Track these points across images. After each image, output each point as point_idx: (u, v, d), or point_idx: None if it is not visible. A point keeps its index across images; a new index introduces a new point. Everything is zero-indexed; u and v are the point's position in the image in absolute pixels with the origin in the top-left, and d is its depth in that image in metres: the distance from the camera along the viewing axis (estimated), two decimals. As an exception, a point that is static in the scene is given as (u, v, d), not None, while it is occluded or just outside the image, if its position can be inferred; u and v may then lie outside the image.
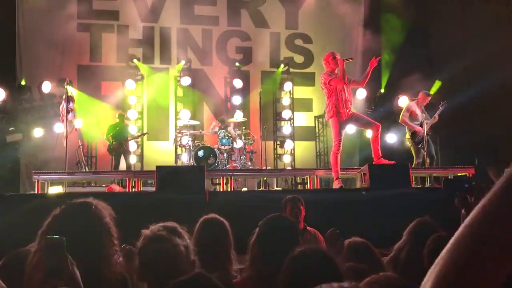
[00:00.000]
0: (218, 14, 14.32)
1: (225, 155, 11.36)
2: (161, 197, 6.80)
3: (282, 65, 14.18)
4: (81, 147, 12.27)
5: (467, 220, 0.93)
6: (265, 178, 11.49)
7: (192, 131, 12.00)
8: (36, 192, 8.87)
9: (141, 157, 13.14)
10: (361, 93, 13.35)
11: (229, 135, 11.54)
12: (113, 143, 11.51)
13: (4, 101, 11.72)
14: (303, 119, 14.47)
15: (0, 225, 6.00)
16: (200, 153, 11.04)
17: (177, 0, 14.03)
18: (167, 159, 12.82)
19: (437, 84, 12.59)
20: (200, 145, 11.40)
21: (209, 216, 3.44)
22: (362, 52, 13.53)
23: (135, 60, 13.43)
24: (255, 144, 11.89)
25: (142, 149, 13.21)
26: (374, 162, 8.07)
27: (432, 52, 13.29)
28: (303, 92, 14.44)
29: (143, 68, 13.62)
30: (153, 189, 8.49)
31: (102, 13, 13.61)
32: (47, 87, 12.24)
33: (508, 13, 11.72)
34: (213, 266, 2.99)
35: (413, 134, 10.15)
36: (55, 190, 9.37)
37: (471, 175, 9.11)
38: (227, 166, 11.20)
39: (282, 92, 14.19)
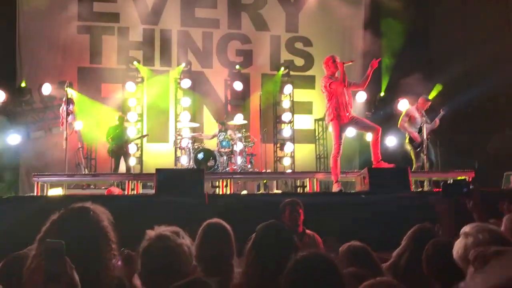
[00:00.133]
0: (219, 17, 14.33)
1: (225, 157, 11.35)
2: (160, 200, 6.79)
3: (282, 68, 14.19)
4: (81, 149, 12.27)
5: None
6: (265, 181, 11.48)
7: (192, 134, 12.00)
8: (35, 194, 8.86)
9: (140, 159, 13.13)
10: (361, 96, 13.36)
11: (229, 137, 11.53)
12: (113, 145, 11.51)
13: (4, 103, 11.73)
14: (303, 122, 14.47)
15: (-1, 227, 6.00)
16: (200, 155, 11.03)
17: (177, 2, 14.05)
18: (167, 162, 12.81)
19: (437, 88, 12.60)
20: (200, 147, 11.39)
21: (213, 220, 3.43)
22: (362, 55, 13.53)
23: (135, 62, 13.43)
24: (255, 147, 11.88)
25: (141, 151, 13.20)
26: (373, 166, 8.07)
27: (432, 55, 13.30)
28: (303, 95, 14.44)
29: (143, 70, 13.62)
30: (153, 191, 8.50)
31: (103, 15, 13.63)
32: (47, 89, 12.25)
33: (507, 16, 11.73)
34: (214, 270, 2.99)
35: (411, 139, 10.23)
36: (54, 192, 9.36)
37: (471, 179, 9.11)
38: (227, 169, 11.19)
39: (282, 95, 14.19)
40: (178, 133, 12.52)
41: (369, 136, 10.03)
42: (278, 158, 13.74)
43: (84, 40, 13.52)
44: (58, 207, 2.25)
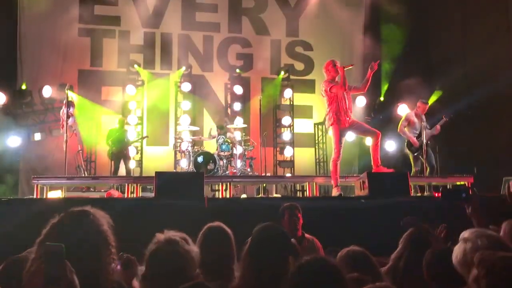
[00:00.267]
0: (219, 21, 14.37)
1: (224, 161, 11.35)
2: (160, 203, 6.79)
3: (282, 72, 14.21)
4: (81, 152, 12.27)
5: None
6: (264, 185, 11.48)
7: (192, 137, 12.01)
8: (35, 196, 8.86)
9: (140, 162, 13.13)
10: (361, 101, 13.38)
11: (229, 141, 11.54)
12: (113, 148, 11.52)
13: (4, 105, 11.73)
14: (303, 126, 14.47)
15: (-1, 229, 5.99)
16: (200, 159, 11.04)
17: (178, 6, 14.08)
18: (166, 165, 12.82)
19: (436, 94, 12.62)
20: (200, 151, 11.39)
21: (214, 224, 3.42)
22: (362, 60, 13.55)
23: (136, 66, 13.46)
24: (254, 150, 11.90)
25: (141, 154, 13.20)
26: (373, 170, 8.07)
27: (432, 60, 13.32)
28: (303, 99, 14.46)
29: (144, 74, 13.64)
30: (152, 195, 8.49)
31: (104, 18, 13.65)
32: (47, 91, 12.27)
33: (507, 22, 11.75)
34: (215, 274, 3.00)
35: (409, 143, 10.28)
36: (54, 194, 9.36)
37: (470, 184, 9.11)
38: (227, 172, 11.20)
39: (282, 99, 14.20)
40: (178, 136, 12.53)
41: (368, 141, 10.05)
42: (277, 162, 13.73)
43: (85, 43, 13.54)
44: (58, 210, 2.25)
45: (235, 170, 11.25)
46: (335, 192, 8.07)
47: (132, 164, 12.37)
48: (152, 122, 13.58)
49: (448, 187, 9.00)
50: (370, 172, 7.90)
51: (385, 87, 14.28)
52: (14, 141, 11.91)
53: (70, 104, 10.46)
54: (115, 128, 11.85)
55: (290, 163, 13.70)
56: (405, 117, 10.40)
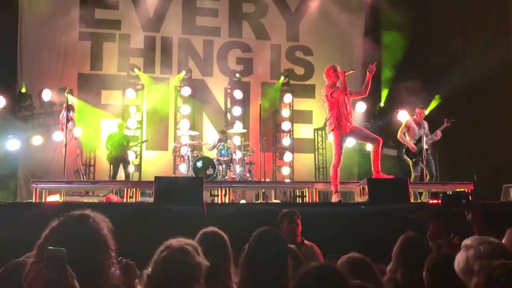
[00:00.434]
0: (220, 25, 14.39)
1: (223, 166, 11.34)
2: (159, 208, 6.77)
3: (282, 77, 14.21)
4: (80, 156, 12.26)
5: None
6: (263, 190, 11.45)
7: (191, 142, 12.00)
8: (34, 200, 8.84)
9: (139, 167, 13.10)
10: (361, 107, 13.38)
11: (228, 146, 11.54)
12: (113, 152, 11.50)
13: (4, 109, 11.72)
14: (303, 131, 14.46)
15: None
16: (199, 164, 11.02)
17: (179, 10, 14.10)
18: (166, 169, 12.80)
19: (436, 100, 12.63)
20: (199, 155, 11.38)
21: (209, 229, 3.42)
22: (363, 65, 13.55)
23: (136, 70, 13.45)
24: (254, 156, 11.88)
25: (140, 159, 13.18)
26: (373, 176, 8.06)
27: (432, 67, 13.33)
28: (303, 104, 14.46)
29: (144, 78, 13.63)
30: (151, 199, 8.48)
31: (104, 22, 13.67)
32: (47, 95, 12.27)
33: (507, 28, 11.77)
34: (213, 278, 2.98)
35: (408, 149, 10.41)
36: (52, 198, 9.33)
37: (469, 191, 9.09)
38: (226, 178, 11.18)
39: (282, 104, 14.19)
40: (177, 141, 12.51)
41: (369, 147, 10.05)
42: (277, 167, 13.71)
43: (85, 46, 13.55)
44: (58, 214, 2.24)
45: (234, 176, 11.23)
46: (335, 198, 8.05)
47: (131, 169, 12.35)
48: (151, 127, 13.56)
49: (447, 193, 8.99)
50: (370, 178, 7.89)
51: (385, 93, 14.29)
52: (13, 144, 11.90)
53: (70, 107, 10.45)
54: (115, 132, 11.84)
55: (290, 169, 13.68)
56: (405, 124, 10.56)
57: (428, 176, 10.09)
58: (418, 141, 10.28)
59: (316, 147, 14.26)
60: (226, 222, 5.65)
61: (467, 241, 2.56)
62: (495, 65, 11.17)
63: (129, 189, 9.28)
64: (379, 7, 14.31)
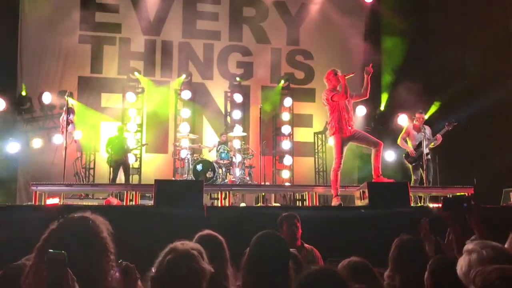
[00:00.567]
0: (220, 29, 14.41)
1: (223, 169, 11.34)
2: (159, 211, 6.75)
3: (282, 81, 14.22)
4: (79, 158, 12.25)
5: None
6: (263, 194, 11.44)
7: (191, 145, 12.00)
8: (33, 203, 8.82)
9: (139, 170, 13.09)
10: (361, 111, 13.38)
11: (228, 149, 11.54)
12: (112, 155, 11.49)
13: (4, 111, 11.72)
14: (303, 134, 14.46)
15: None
16: (199, 167, 11.02)
17: (179, 14, 14.12)
18: (165, 173, 12.80)
19: (435, 105, 12.64)
20: (199, 159, 11.38)
21: (204, 232, 3.43)
22: (363, 69, 13.52)
23: (136, 73, 13.47)
24: (254, 159, 11.88)
25: (140, 162, 13.17)
26: (373, 180, 8.05)
27: (432, 71, 13.33)
28: (303, 108, 14.46)
29: (144, 81, 13.64)
30: (151, 202, 8.46)
31: (105, 25, 13.67)
32: (47, 98, 12.27)
33: (506, 33, 11.78)
34: (213, 283, 2.98)
35: (407, 154, 10.52)
36: (52, 201, 9.32)
37: (469, 195, 9.09)
38: (226, 181, 11.18)
39: (282, 108, 14.19)
40: (177, 144, 12.51)
41: (369, 151, 10.04)
42: (277, 171, 13.70)
43: (85, 49, 13.56)
44: (56, 217, 2.23)
45: (234, 179, 11.23)
46: (335, 202, 8.03)
47: (131, 172, 12.34)
48: (151, 130, 13.56)
49: (448, 197, 8.98)
50: (370, 182, 7.87)
51: (385, 98, 14.29)
52: (13, 147, 11.89)
53: (70, 110, 10.45)
54: (115, 136, 11.83)
55: (290, 173, 13.67)
56: (405, 130, 10.69)
57: (426, 182, 10.15)
58: (418, 146, 10.32)
59: (316, 151, 14.26)
60: (226, 225, 5.65)
61: (469, 246, 2.56)
62: (495, 69, 11.17)
63: (129, 192, 9.28)
64: (379, 11, 14.35)
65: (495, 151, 11.06)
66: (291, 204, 11.55)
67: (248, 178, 11.42)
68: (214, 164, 11.17)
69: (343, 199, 8.50)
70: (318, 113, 13.74)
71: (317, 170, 14.12)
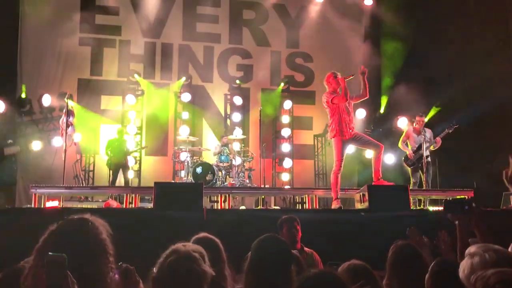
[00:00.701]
0: (220, 32, 14.42)
1: (223, 172, 11.33)
2: (158, 214, 6.74)
3: (282, 83, 14.22)
4: (79, 161, 12.24)
5: None
6: (263, 197, 11.43)
7: (190, 147, 11.99)
8: (33, 205, 8.81)
9: (139, 172, 13.08)
10: (361, 113, 13.38)
11: (228, 152, 11.53)
12: (112, 158, 11.48)
13: (3, 114, 11.71)
14: (303, 137, 14.45)
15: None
16: (198, 169, 11.01)
17: (179, 16, 14.13)
18: (165, 175, 12.78)
19: (435, 109, 12.65)
20: (199, 161, 11.37)
21: (201, 235, 3.43)
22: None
23: (136, 75, 13.45)
24: (253, 162, 11.87)
25: (140, 164, 13.16)
26: (373, 183, 8.04)
27: (432, 74, 13.33)
28: (303, 110, 14.46)
29: (144, 83, 13.64)
30: (151, 205, 8.45)
31: (105, 28, 13.68)
32: (47, 100, 12.26)
33: (506, 36, 11.79)
34: (211, 284, 2.97)
35: (406, 157, 10.60)
36: (52, 204, 9.31)
37: (470, 197, 9.07)
38: (225, 184, 11.16)
39: (282, 110, 14.18)
40: (177, 146, 12.50)
41: (368, 153, 10.05)
42: (276, 174, 13.69)
43: (85, 52, 13.55)
44: (56, 219, 2.22)
45: (233, 182, 11.21)
46: (335, 205, 8.03)
47: (131, 174, 12.34)
48: (151, 132, 13.56)
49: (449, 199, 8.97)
50: (370, 185, 7.87)
51: (385, 100, 14.29)
52: (11, 150, 11.86)
53: (69, 113, 10.44)
54: (114, 138, 11.83)
55: (289, 175, 13.65)
56: (405, 134, 10.76)
57: (425, 185, 10.18)
58: (418, 148, 10.34)
59: (316, 154, 14.25)
60: (225, 228, 5.64)
61: (471, 249, 2.55)
62: (495, 73, 11.17)
63: (128, 195, 9.28)
64: (379, 14, 14.35)
65: (495, 154, 11.05)
66: (291, 207, 11.52)
67: (247, 181, 11.41)
68: (214, 167, 11.16)
69: (343, 202, 8.49)
70: (318, 116, 13.72)
71: (317, 173, 14.11)
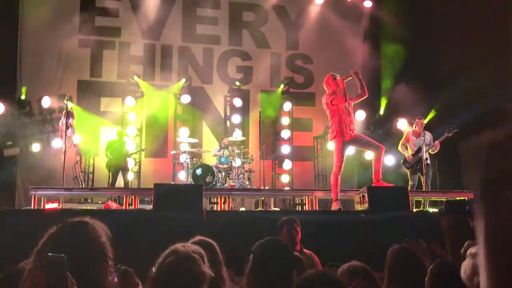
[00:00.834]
0: (220, 34, 14.42)
1: (223, 173, 11.32)
2: (158, 215, 6.74)
3: (282, 85, 14.21)
4: (79, 163, 12.23)
5: None
6: (263, 198, 11.42)
7: (190, 149, 11.98)
8: (32, 207, 8.80)
9: (138, 174, 13.07)
10: (360, 115, 13.38)
11: (228, 153, 11.52)
12: (112, 159, 11.48)
13: (3, 115, 11.70)
14: (303, 139, 14.45)
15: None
16: (198, 171, 10.99)
17: (179, 18, 14.13)
18: (165, 177, 12.77)
19: (433, 112, 12.66)
20: (198, 163, 11.36)
21: (196, 239, 3.42)
22: (362, 73, 13.54)
23: (135, 77, 13.44)
24: (253, 163, 11.86)
25: (139, 166, 13.16)
26: (373, 184, 8.04)
27: (431, 77, 13.34)
28: (303, 112, 14.45)
29: (143, 85, 13.62)
30: (150, 207, 8.44)
31: (104, 30, 13.68)
32: (46, 102, 12.25)
33: (506, 38, 11.78)
34: (210, 286, 2.97)
35: (405, 159, 10.68)
36: (51, 206, 9.30)
37: (470, 199, 9.06)
38: (225, 185, 11.15)
39: (282, 112, 14.18)
40: (176, 148, 12.49)
41: (368, 155, 10.04)
42: (276, 175, 13.68)
43: (85, 53, 13.55)
44: (55, 221, 2.22)
45: (233, 183, 11.21)
46: (334, 206, 8.03)
47: (130, 176, 12.33)
48: (151, 134, 13.55)
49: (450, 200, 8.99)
50: (370, 186, 7.87)
51: (384, 102, 14.29)
52: (11, 151, 11.86)
53: (69, 114, 10.43)
54: (114, 140, 11.82)
55: (289, 177, 13.65)
56: (405, 136, 10.81)
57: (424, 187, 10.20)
58: (417, 151, 10.36)
59: (316, 155, 14.24)
60: (225, 230, 5.64)
61: (473, 249, 2.55)
62: (495, 76, 11.17)
63: (128, 196, 9.26)
64: (378, 16, 14.35)
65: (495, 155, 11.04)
66: (290, 209, 11.51)
67: (247, 183, 11.40)
68: (214, 168, 11.15)
69: (342, 204, 8.49)
70: (318, 118, 13.68)
71: (316, 174, 14.10)
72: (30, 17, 13.01)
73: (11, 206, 11.28)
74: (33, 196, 8.87)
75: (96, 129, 13.17)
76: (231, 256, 3.41)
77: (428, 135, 10.47)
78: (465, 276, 2.47)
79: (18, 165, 12.28)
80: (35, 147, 12.24)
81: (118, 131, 12.03)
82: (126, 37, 13.83)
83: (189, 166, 11.18)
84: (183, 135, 12.68)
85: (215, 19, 14.41)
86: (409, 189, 9.66)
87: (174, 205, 6.93)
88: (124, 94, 13.27)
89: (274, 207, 11.79)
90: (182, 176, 11.48)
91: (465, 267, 2.50)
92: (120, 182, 11.62)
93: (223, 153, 11.55)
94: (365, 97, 8.28)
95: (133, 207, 9.10)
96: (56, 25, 12.99)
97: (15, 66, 12.80)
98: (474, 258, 2.47)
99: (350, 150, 10.85)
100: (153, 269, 2.48)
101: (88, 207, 10.26)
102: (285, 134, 13.86)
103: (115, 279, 2.35)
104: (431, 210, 9.56)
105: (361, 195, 7.83)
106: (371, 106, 13.41)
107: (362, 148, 8.94)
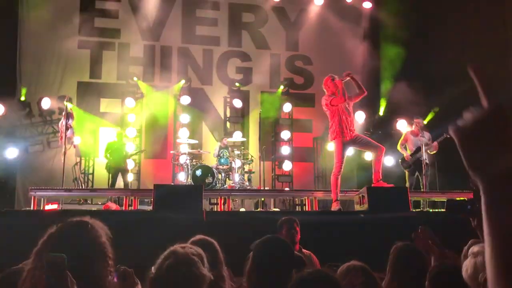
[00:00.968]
0: (219, 35, 14.42)
1: (223, 174, 11.32)
2: (158, 216, 6.74)
3: (282, 86, 14.21)
4: (78, 164, 12.23)
5: None
6: (262, 199, 11.41)
7: (190, 150, 11.98)
8: (32, 208, 8.80)
9: (138, 175, 13.07)
10: (360, 116, 13.37)
11: (228, 154, 11.52)
12: (111, 160, 11.47)
13: (3, 116, 11.71)
14: (302, 140, 14.44)
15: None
16: (198, 172, 10.99)
17: (178, 19, 14.14)
18: (164, 178, 12.76)
19: (433, 112, 12.67)
20: (198, 164, 11.36)
21: (197, 238, 3.42)
22: (362, 74, 13.57)
23: (135, 78, 13.43)
24: (253, 164, 11.86)
25: (139, 167, 13.15)
26: (373, 185, 8.05)
27: (431, 77, 13.34)
28: (302, 113, 14.44)
29: (143, 86, 13.62)
30: (150, 208, 8.44)
31: (104, 31, 13.68)
32: (46, 103, 12.24)
33: (506, 38, 11.80)
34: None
35: (403, 159, 10.71)
36: (51, 207, 9.30)
37: (472, 198, 9.06)
38: (225, 186, 11.15)
39: (282, 113, 14.17)
40: (176, 149, 12.49)
41: (368, 155, 10.05)
42: (276, 176, 13.67)
43: (84, 54, 13.55)
44: (55, 222, 2.22)
45: (233, 184, 11.20)
46: (334, 207, 8.03)
47: (130, 177, 12.32)
48: (150, 135, 13.54)
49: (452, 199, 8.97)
50: (370, 186, 7.88)
51: (384, 103, 14.29)
52: (12, 152, 11.86)
53: (69, 116, 10.44)
54: (113, 141, 11.82)
55: (289, 177, 13.64)
56: (404, 136, 10.85)
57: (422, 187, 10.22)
58: (415, 151, 10.36)
59: (316, 156, 14.23)
60: (225, 230, 5.63)
61: (474, 248, 2.55)
62: (494, 74, 11.17)
63: (128, 197, 9.26)
64: (378, 17, 14.36)
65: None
66: (290, 209, 11.51)
67: (247, 184, 11.40)
68: (214, 169, 11.15)
69: (342, 204, 8.49)
70: (318, 118, 13.68)
71: (316, 175, 14.09)
72: (30, 18, 13.02)
73: (11, 207, 11.27)
74: (33, 197, 8.87)
75: (95, 130, 13.17)
76: (231, 256, 3.41)
77: (427, 135, 10.47)
78: (467, 275, 2.47)
79: (18, 166, 12.27)
80: (35, 149, 12.24)
81: (117, 133, 12.03)
82: (126, 38, 13.83)
83: (189, 167, 11.18)
84: (183, 136, 12.68)
85: (215, 20, 14.42)
86: (408, 189, 9.71)
87: (174, 206, 6.93)
88: (124, 95, 13.26)
89: (274, 208, 11.80)
90: (182, 177, 11.47)
91: (467, 266, 2.50)
92: (119, 183, 11.61)
93: (223, 154, 11.54)
94: (365, 95, 8.29)
95: (132, 208, 9.10)
96: (56, 26, 13.00)
97: (15, 67, 12.80)
98: (476, 257, 2.47)
99: (350, 151, 10.87)
100: (152, 270, 2.48)
101: (88, 208, 10.26)
102: (285, 135, 13.85)
103: (115, 279, 2.35)
104: (430, 210, 9.57)
105: (360, 195, 7.83)
106: (370, 107, 13.41)
107: (362, 148, 8.94)
